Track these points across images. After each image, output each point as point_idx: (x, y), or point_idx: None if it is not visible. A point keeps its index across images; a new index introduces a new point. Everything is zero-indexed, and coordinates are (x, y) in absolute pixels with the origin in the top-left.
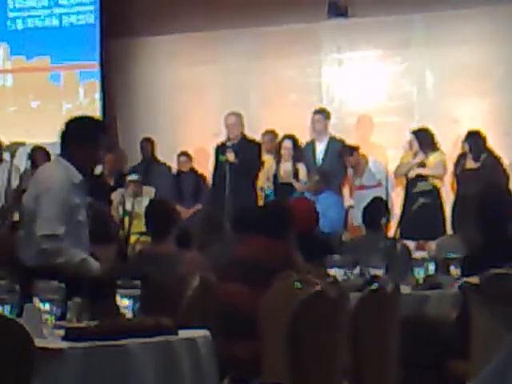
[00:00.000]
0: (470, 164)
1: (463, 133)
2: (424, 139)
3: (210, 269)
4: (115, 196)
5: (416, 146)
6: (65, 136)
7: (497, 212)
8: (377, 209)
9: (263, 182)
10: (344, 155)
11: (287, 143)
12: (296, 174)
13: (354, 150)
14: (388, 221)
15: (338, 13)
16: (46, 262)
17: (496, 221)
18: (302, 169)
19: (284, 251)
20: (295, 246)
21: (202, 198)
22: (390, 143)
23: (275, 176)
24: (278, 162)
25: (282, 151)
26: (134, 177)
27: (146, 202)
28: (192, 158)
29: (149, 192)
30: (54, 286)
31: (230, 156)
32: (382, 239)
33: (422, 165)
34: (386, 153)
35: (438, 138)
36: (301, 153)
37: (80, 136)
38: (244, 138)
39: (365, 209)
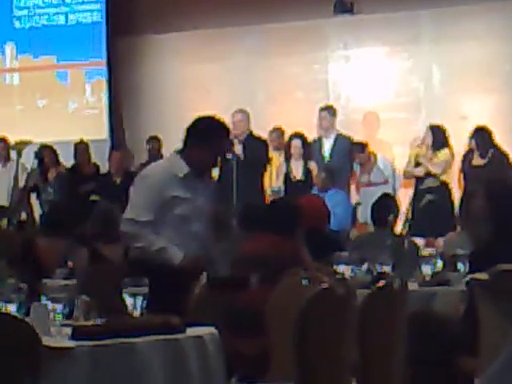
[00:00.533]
0: (477, 160)
1: (471, 129)
2: (438, 135)
3: (217, 265)
4: None
5: (429, 140)
6: (189, 133)
7: (504, 208)
8: (385, 205)
9: (274, 180)
10: (354, 152)
11: (296, 142)
12: (309, 173)
13: (364, 146)
14: (396, 218)
15: (344, 9)
16: (126, 244)
17: (503, 217)
18: (314, 167)
19: (292, 248)
20: (304, 244)
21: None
22: (397, 140)
23: (286, 175)
24: (288, 161)
25: (292, 150)
26: None
27: None
28: None
29: None
30: (62, 284)
31: (238, 149)
32: (389, 236)
33: (431, 160)
34: (393, 149)
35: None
36: (310, 151)
37: (203, 136)
38: (250, 135)
39: (373, 205)
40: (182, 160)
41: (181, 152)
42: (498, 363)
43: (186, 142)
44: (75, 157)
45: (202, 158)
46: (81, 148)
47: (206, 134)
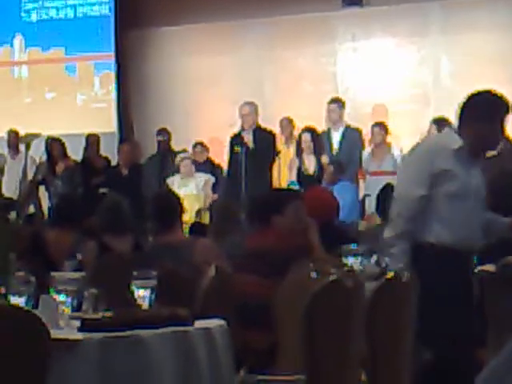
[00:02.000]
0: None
1: None
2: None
3: (225, 258)
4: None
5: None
6: (466, 107)
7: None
8: (389, 196)
9: (286, 174)
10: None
11: (306, 136)
12: (322, 168)
13: (383, 125)
14: None
15: (352, 1)
16: None
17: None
18: (326, 162)
19: (301, 241)
20: (316, 235)
21: (218, 188)
22: (406, 132)
23: (299, 169)
24: (300, 155)
25: (302, 144)
26: (185, 155)
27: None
28: (208, 148)
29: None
30: (70, 277)
31: (248, 140)
32: None
33: None
34: (402, 141)
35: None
36: (321, 145)
37: (482, 111)
38: (258, 127)
39: (377, 197)
40: (456, 134)
41: (455, 128)
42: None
43: (461, 118)
44: (86, 149)
45: (480, 133)
46: (92, 140)
47: (486, 109)
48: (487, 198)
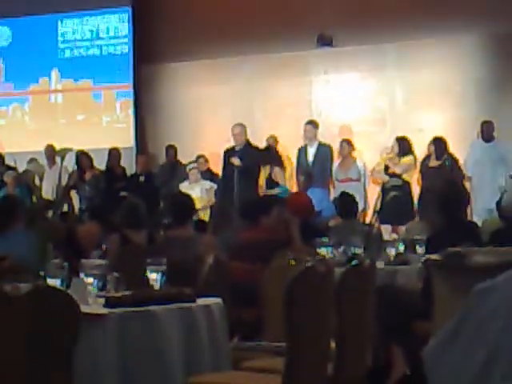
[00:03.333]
0: (433, 162)
1: (427, 140)
2: (403, 145)
3: (222, 250)
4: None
5: (396, 149)
6: None
7: (452, 202)
8: (345, 201)
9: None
10: (342, 144)
11: None
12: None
13: (350, 143)
14: (365, 210)
15: (324, 42)
16: None
17: (452, 209)
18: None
19: (283, 235)
20: (296, 229)
21: (217, 192)
22: (367, 148)
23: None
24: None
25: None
26: (193, 165)
27: (203, 187)
28: (208, 160)
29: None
30: (97, 263)
31: (236, 161)
32: (360, 225)
33: (396, 164)
34: (363, 155)
35: None
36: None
37: None
38: (248, 144)
39: (336, 203)
40: None
41: None
42: (446, 327)
43: None
44: (109, 160)
45: None
46: (114, 153)
47: None
48: (434, 200)
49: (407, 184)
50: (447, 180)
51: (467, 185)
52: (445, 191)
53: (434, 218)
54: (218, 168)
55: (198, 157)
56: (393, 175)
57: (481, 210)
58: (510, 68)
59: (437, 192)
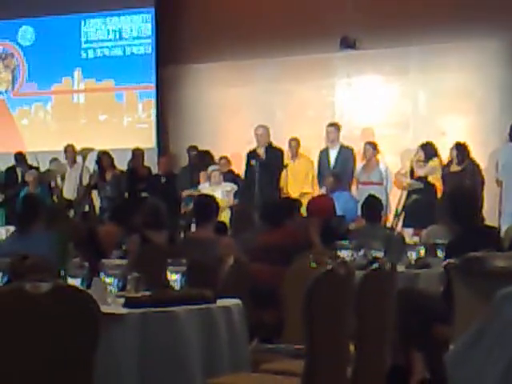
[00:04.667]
0: (455, 167)
1: (449, 144)
2: (428, 150)
3: (242, 251)
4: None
5: (422, 155)
6: None
7: (470, 208)
8: (372, 204)
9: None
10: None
11: None
12: None
13: (375, 145)
14: (386, 213)
15: (348, 45)
16: None
17: (470, 215)
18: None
19: (303, 238)
20: (316, 232)
21: (239, 194)
22: (389, 151)
23: None
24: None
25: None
26: (214, 167)
27: (224, 189)
28: (230, 161)
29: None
30: (117, 263)
31: (261, 155)
32: (381, 228)
33: (421, 167)
34: (385, 159)
35: None
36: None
37: None
38: (270, 145)
39: (362, 205)
40: None
41: None
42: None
43: None
44: (132, 160)
45: None
46: (138, 153)
47: None
48: (446, 207)
49: (432, 187)
50: (462, 185)
51: (497, 189)
52: (454, 197)
53: (453, 222)
54: (240, 169)
55: (221, 158)
56: (417, 179)
57: (509, 215)
58: None
59: (449, 197)
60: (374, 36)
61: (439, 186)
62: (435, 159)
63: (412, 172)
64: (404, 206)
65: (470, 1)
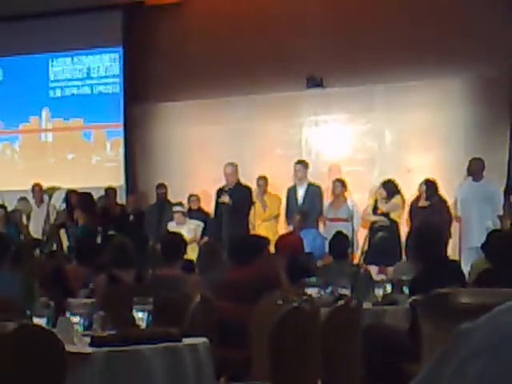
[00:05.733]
0: (423, 202)
1: (415, 180)
2: (389, 187)
3: (209, 289)
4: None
5: (384, 193)
6: None
7: (427, 243)
8: (340, 241)
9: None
10: (335, 184)
11: None
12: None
13: (344, 183)
14: (353, 250)
15: (314, 84)
16: None
17: (428, 249)
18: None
19: (271, 275)
20: (283, 270)
21: (207, 231)
22: (356, 188)
23: None
24: None
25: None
26: (178, 208)
27: (190, 227)
28: (199, 198)
29: (191, 223)
30: (83, 302)
31: (225, 198)
32: (348, 265)
33: (384, 204)
34: (352, 196)
35: None
36: None
37: None
38: (238, 183)
39: (330, 242)
40: None
41: None
42: (426, 366)
43: None
44: (105, 199)
45: None
46: (110, 192)
47: None
48: (411, 243)
49: (395, 224)
50: (422, 221)
51: (456, 225)
52: (419, 232)
53: (417, 259)
54: (208, 207)
55: (190, 196)
56: (380, 214)
57: (468, 250)
58: (496, 111)
59: (414, 234)
60: (340, 75)
61: (400, 222)
62: (397, 196)
63: (375, 208)
64: (369, 244)
65: (433, 42)
